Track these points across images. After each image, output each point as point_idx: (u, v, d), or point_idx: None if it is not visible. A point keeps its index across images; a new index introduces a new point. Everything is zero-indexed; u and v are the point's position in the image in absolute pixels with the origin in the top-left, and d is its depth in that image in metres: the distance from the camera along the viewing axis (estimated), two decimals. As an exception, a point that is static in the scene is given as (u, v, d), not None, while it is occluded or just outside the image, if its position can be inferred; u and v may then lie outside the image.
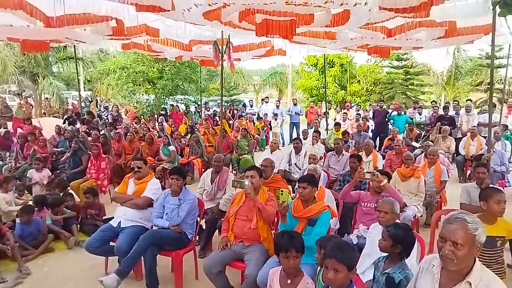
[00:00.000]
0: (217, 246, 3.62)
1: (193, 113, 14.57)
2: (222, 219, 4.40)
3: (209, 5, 4.40)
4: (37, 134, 7.86)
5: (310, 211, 3.35)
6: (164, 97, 14.67)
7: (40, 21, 5.98)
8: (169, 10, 4.86)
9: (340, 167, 6.41)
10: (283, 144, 13.08)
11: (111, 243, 3.95)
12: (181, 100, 15.47)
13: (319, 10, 4.69)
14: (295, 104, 14.03)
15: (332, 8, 4.59)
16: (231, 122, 13.08)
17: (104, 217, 5.26)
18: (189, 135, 9.80)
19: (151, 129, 10.38)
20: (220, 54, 8.01)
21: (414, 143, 9.15)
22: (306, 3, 3.78)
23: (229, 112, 14.29)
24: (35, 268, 4.24)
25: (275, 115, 13.42)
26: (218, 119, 13.26)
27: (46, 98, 17.30)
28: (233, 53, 8.71)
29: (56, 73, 17.42)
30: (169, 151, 8.02)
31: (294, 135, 13.52)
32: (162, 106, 14.71)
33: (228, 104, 16.84)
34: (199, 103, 15.40)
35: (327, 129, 11.12)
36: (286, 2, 3.74)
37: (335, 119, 12.72)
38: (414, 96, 20.87)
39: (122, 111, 15.96)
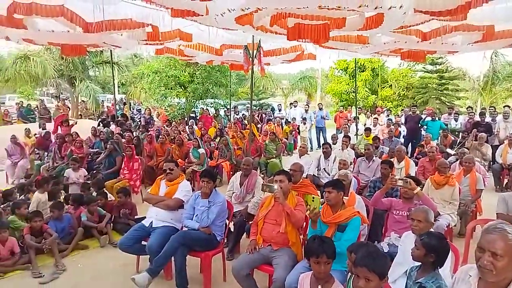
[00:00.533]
0: (245, 249, 3.64)
1: (222, 116, 14.75)
2: (250, 222, 4.44)
3: (242, 10, 4.46)
4: (74, 135, 8.20)
5: (339, 216, 3.31)
6: (195, 100, 14.94)
7: (79, 26, 6.26)
8: (202, 15, 4.96)
9: (371, 173, 6.30)
10: (311, 148, 13.00)
11: (143, 242, 4.06)
12: (211, 103, 15.70)
13: (352, 14, 4.64)
14: (320, 109, 13.94)
15: (366, 12, 4.55)
16: (259, 126, 13.15)
17: (136, 217, 5.42)
18: (218, 138, 9.93)
19: (181, 131, 10.59)
20: (250, 59, 8.08)
21: (448, 150, 8.85)
22: (339, 7, 3.75)
23: (258, 116, 14.36)
24: (70, 265, 4.41)
25: (304, 119, 13.36)
26: (246, 123, 13.38)
27: (83, 100, 18.01)
28: (263, 58, 8.77)
29: (92, 77, 18.13)
30: (199, 154, 8.15)
31: (321, 140, 13.45)
32: (192, 109, 14.98)
33: (257, 108, 16.91)
34: (228, 106, 15.58)
35: (357, 134, 10.96)
36: (319, 6, 3.73)
37: (365, 124, 12.51)
38: (448, 102, 20.19)
39: (154, 114, 16.39)
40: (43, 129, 9.61)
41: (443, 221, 4.56)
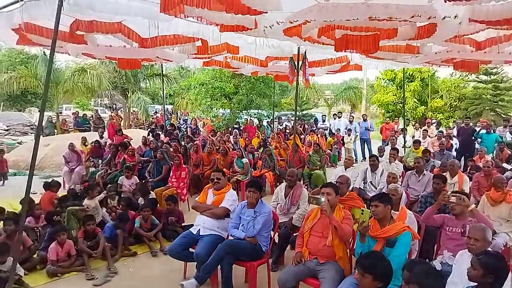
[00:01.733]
0: (289, 261, 3.63)
1: (266, 127, 14.86)
2: (295, 234, 4.43)
3: (290, 22, 4.53)
4: (127, 144, 8.63)
5: (388, 231, 3.22)
6: (239, 111, 15.20)
7: (135, 42, 6.65)
8: (251, 29, 5.09)
9: (421, 187, 6.05)
10: (356, 160, 12.72)
11: (190, 249, 4.17)
12: (254, 114, 15.89)
13: (403, 24, 4.56)
14: (365, 120, 13.63)
15: (418, 22, 4.44)
16: (302, 136, 13.09)
17: (183, 224, 5.58)
18: (262, 148, 10.01)
19: (226, 142, 10.80)
20: (295, 70, 8.13)
21: (505, 165, 8.30)
22: (391, 18, 3.71)
23: (300, 127, 14.31)
24: (121, 268, 4.62)
25: (349, 130, 13.13)
26: (289, 133, 13.38)
27: (134, 111, 18.93)
28: (308, 68, 8.78)
29: (143, 88, 19.04)
30: (243, 164, 8.26)
31: (365, 152, 13.12)
32: (236, 120, 15.25)
33: (300, 119, 16.87)
34: (271, 117, 15.66)
35: (404, 147, 10.58)
36: (370, 18, 3.71)
37: (413, 136, 12.06)
38: (504, 114, 18.96)
39: (200, 124, 16.85)
40: (101, 138, 10.21)
41: (500, 240, 4.30)
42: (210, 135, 12.05)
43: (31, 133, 18.34)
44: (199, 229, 4.18)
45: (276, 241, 4.57)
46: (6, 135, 17.24)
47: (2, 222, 4.78)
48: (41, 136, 15.56)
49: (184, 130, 14.62)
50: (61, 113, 20.94)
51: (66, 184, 8.44)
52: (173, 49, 7.61)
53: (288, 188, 5.01)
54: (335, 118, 15.26)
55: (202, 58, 8.80)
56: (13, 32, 6.51)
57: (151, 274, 4.50)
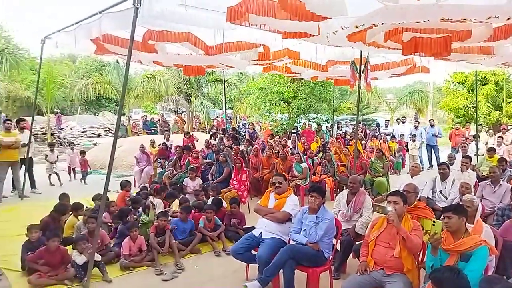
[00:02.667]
0: (352, 269, 3.56)
1: (324, 131, 14.66)
2: (357, 242, 4.33)
3: (356, 27, 4.46)
4: (191, 147, 9.04)
5: (462, 244, 3.03)
6: (297, 116, 15.19)
7: (201, 49, 6.96)
8: (314, 35, 5.09)
9: (497, 199, 5.60)
10: (422, 168, 12.06)
11: (253, 251, 4.26)
12: (313, 118, 15.78)
13: (478, 25, 4.28)
14: (432, 125, 12.88)
15: (494, 22, 4.16)
16: (363, 142, 12.73)
17: (244, 226, 5.71)
18: (321, 153, 9.89)
19: (284, 146, 10.83)
20: (357, 74, 7.96)
21: None
22: (465, 19, 3.51)
23: (362, 132, 13.92)
24: (187, 265, 4.83)
25: (413, 136, 12.50)
26: (349, 138, 13.08)
27: (196, 115, 19.74)
28: (371, 72, 8.54)
29: (205, 94, 19.82)
30: (302, 168, 8.24)
31: (433, 159, 12.39)
32: (294, 124, 15.25)
33: (361, 124, 16.42)
34: (330, 122, 15.43)
35: (477, 154, 9.85)
36: (442, 19, 3.54)
37: (486, 144, 11.17)
38: None
39: (257, 128, 17.10)
40: (167, 140, 10.80)
41: None
42: (268, 139, 12.18)
43: (105, 135, 19.87)
44: (261, 232, 4.26)
45: (338, 249, 4.50)
46: (82, 136, 18.86)
47: (83, 217, 5.24)
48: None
49: (243, 134, 14.91)
50: (130, 116, 22.46)
51: (136, 182, 9.02)
52: (235, 56, 7.84)
53: (351, 195, 4.91)
54: (398, 123, 14.63)
55: (263, 64, 8.96)
56: (91, 42, 7.16)
57: (214, 273, 4.66)
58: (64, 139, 17.47)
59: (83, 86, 16.54)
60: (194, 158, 8.33)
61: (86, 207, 5.80)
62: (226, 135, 11.67)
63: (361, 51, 7.53)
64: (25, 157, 8.20)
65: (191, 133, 12.40)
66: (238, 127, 17.58)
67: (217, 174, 7.85)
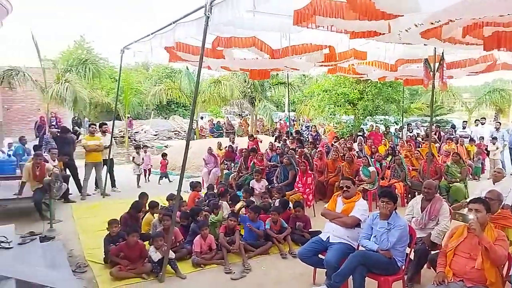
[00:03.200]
0: (426, 280, 3.37)
1: (393, 134, 14.02)
2: (433, 252, 4.09)
3: (431, 23, 4.23)
4: (256, 149, 9.19)
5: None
6: (363, 117, 14.72)
7: (267, 53, 7.07)
8: (384, 34, 4.92)
9: None
10: (505, 173, 10.99)
11: (320, 256, 4.22)
12: (381, 120, 15.17)
13: None
14: (516, 127, 11.66)
15: None
16: (437, 145, 11.94)
17: (310, 230, 5.67)
18: (390, 157, 9.48)
19: (350, 149, 10.55)
20: (431, 73, 7.51)
21: None
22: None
23: (435, 134, 13.07)
24: (255, 266, 4.91)
25: (494, 138, 11.45)
26: (421, 141, 12.36)
27: (260, 118, 20.04)
28: (446, 70, 8.01)
29: (268, 97, 20.06)
30: (369, 172, 7.97)
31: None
32: (361, 126, 14.79)
33: (434, 125, 15.44)
34: (400, 124, 14.72)
35: None
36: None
37: None
38: None
39: (321, 131, 16.87)
40: (232, 143, 11.11)
41: None
42: (333, 142, 11.96)
43: (175, 138, 20.98)
44: (329, 236, 4.20)
45: (412, 258, 4.28)
46: (155, 139, 20.11)
47: (158, 215, 5.58)
48: (184, 140, 17.66)
49: (306, 136, 14.82)
50: (198, 120, 23.48)
51: (204, 183, 9.40)
52: (300, 58, 7.83)
53: (425, 201, 4.64)
54: (477, 125, 13.52)
55: (328, 65, 8.84)
56: (165, 51, 7.63)
57: (282, 275, 4.68)
58: (140, 141, 18.80)
59: (156, 92, 17.65)
60: (259, 161, 8.46)
61: (161, 206, 6.17)
62: (290, 137, 11.68)
63: (435, 48, 7.10)
64: (107, 158, 8.95)
65: (255, 136, 12.61)
66: (301, 129, 17.50)
67: (282, 176, 7.89)
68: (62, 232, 6.11)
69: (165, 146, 16.96)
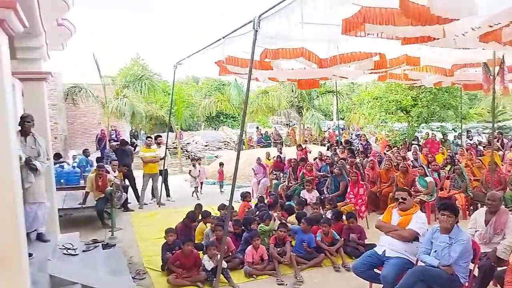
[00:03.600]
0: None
1: (451, 142, 13.28)
2: (499, 268, 3.81)
3: (490, 26, 4.01)
4: (305, 159, 9.14)
5: None
6: (418, 125, 14.10)
7: (315, 63, 7.06)
8: (438, 39, 4.74)
9: None
10: None
11: (376, 270, 4.08)
12: (437, 127, 14.44)
13: None
14: None
15: None
16: (500, 153, 11.12)
17: (364, 242, 5.52)
18: (449, 166, 8.97)
19: (404, 158, 10.14)
20: (491, 77, 7.07)
21: None
22: None
23: (498, 141, 12.18)
24: (307, 278, 4.87)
25: None
26: (483, 149, 11.58)
27: (308, 127, 19.90)
28: (507, 74, 7.52)
29: (316, 106, 19.88)
30: (426, 183, 7.59)
31: None
32: (415, 134, 14.18)
33: (496, 132, 14.41)
34: (458, 131, 13.91)
35: None
36: None
37: None
38: None
39: (372, 139, 16.39)
40: (280, 153, 11.15)
41: None
42: (385, 151, 11.56)
43: (224, 148, 21.43)
44: (385, 250, 4.06)
45: (476, 274, 4.01)
46: (206, 150, 20.68)
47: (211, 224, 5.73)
48: (233, 150, 18.02)
49: (356, 145, 14.47)
50: (245, 131, 23.81)
51: (254, 193, 9.50)
52: (349, 66, 7.72)
53: (490, 214, 4.35)
54: (547, 130, 12.42)
55: (379, 72, 8.63)
56: (215, 65, 7.89)
57: (335, 288, 4.60)
58: (191, 152, 19.44)
59: (207, 104, 18.20)
60: (308, 171, 8.40)
61: (213, 215, 6.32)
62: (340, 147, 11.48)
63: (494, 52, 6.69)
64: (162, 169, 9.35)
65: (303, 146, 12.55)
66: (351, 138, 17.12)
67: (333, 187, 7.76)
68: (122, 240, 6.46)
69: (215, 157, 17.38)
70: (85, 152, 10.85)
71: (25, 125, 4.60)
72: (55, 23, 5.82)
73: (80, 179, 8.61)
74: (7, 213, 2.72)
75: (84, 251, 5.29)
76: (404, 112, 14.13)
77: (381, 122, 14.50)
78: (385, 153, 10.78)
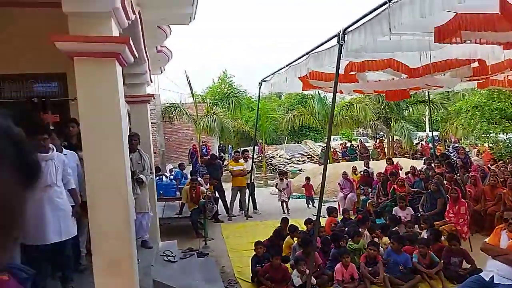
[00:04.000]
0: None
1: None
2: None
3: None
4: (396, 174, 8.68)
5: None
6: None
7: (404, 73, 6.76)
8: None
9: None
10: None
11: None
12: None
13: None
14: None
15: None
16: None
17: (469, 267, 5.02)
18: None
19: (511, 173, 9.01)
20: None
21: None
22: None
23: None
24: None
25: None
26: None
27: (397, 139, 18.86)
28: None
29: (406, 116, 18.78)
30: (542, 202, 6.66)
31: None
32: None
33: None
34: None
35: None
36: None
37: None
38: None
39: (473, 152, 14.87)
40: (367, 167, 10.75)
41: None
42: (489, 165, 10.41)
43: (307, 162, 21.36)
44: (493, 276, 3.67)
45: None
46: (289, 163, 20.84)
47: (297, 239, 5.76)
48: (317, 164, 17.89)
49: (454, 159, 13.25)
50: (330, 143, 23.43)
51: (340, 208, 9.28)
52: (443, 75, 7.22)
53: None
54: None
55: (478, 79, 7.92)
56: (299, 80, 8.00)
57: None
58: (275, 166, 19.76)
59: (290, 118, 18.45)
60: (400, 186, 7.94)
61: (299, 230, 6.34)
62: (435, 161, 10.66)
63: None
64: (249, 182, 9.69)
65: (393, 159, 11.92)
66: (447, 151, 15.74)
67: (428, 204, 7.21)
68: (214, 249, 6.82)
69: (299, 170, 17.39)
70: (181, 166, 11.70)
71: (133, 143, 5.17)
72: (155, 50, 6.53)
73: (176, 191, 9.31)
74: (123, 221, 3.10)
75: (181, 258, 5.72)
76: (510, 121, 12.62)
77: (483, 133, 13.12)
78: (489, 168, 9.72)
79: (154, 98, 6.87)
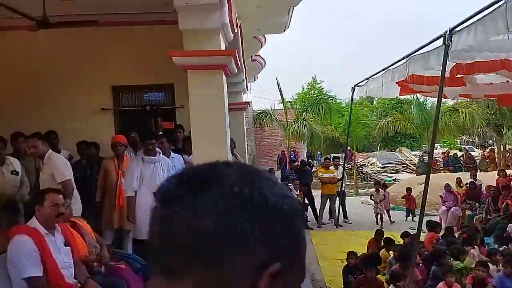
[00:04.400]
0: None
1: None
2: None
3: None
4: (509, 188, 7.71)
5: None
6: None
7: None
8: None
9: None
10: None
11: None
12: None
13: None
14: None
15: None
16: None
17: None
18: None
19: None
20: None
21: None
22: None
23: None
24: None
25: None
26: None
27: (510, 148, 16.72)
28: None
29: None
30: None
31: None
32: None
33: None
34: None
35: None
36: None
37: None
38: None
39: None
40: (474, 179, 9.72)
41: None
42: None
43: (402, 171, 20.06)
44: None
45: None
46: (382, 172, 19.81)
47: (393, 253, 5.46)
48: (414, 174, 16.76)
49: None
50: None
51: (442, 222, 8.55)
52: None
53: None
54: None
55: None
56: (396, 85, 7.61)
57: None
58: (367, 174, 18.96)
59: (383, 124, 17.58)
60: (516, 202, 7.04)
61: (395, 243, 6.00)
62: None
63: None
64: (339, 190, 9.49)
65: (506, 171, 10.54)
66: None
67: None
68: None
69: (393, 180, 16.44)
70: (270, 171, 11.97)
71: (231, 147, 5.47)
72: (250, 59, 6.84)
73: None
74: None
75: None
76: None
77: None
78: None
79: (249, 105, 7.17)
